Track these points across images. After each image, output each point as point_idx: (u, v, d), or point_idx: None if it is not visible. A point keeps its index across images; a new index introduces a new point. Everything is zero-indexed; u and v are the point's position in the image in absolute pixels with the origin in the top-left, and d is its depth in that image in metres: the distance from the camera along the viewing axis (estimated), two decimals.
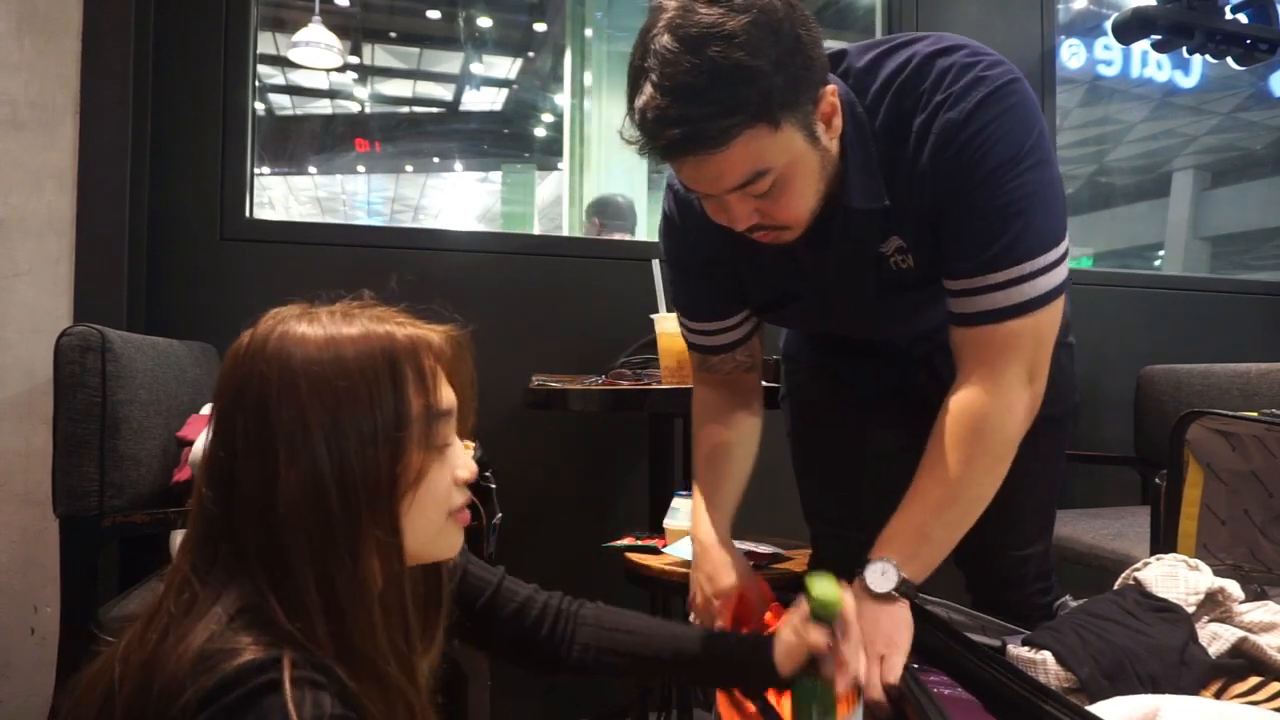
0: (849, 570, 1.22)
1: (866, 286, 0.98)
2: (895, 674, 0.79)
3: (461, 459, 0.68)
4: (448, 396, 0.66)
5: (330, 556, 0.58)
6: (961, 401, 0.88)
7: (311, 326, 0.62)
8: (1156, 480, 1.29)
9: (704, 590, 1.00)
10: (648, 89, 0.76)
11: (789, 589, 1.02)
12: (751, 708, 0.88)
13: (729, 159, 0.78)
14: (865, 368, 1.20)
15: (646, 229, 4.71)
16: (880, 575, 0.84)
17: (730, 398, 1.11)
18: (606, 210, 2.93)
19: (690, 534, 1.08)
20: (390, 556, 0.61)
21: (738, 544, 1.35)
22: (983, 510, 0.89)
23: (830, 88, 0.82)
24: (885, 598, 0.83)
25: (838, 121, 0.84)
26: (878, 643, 0.81)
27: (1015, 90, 0.85)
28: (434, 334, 0.66)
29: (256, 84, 1.93)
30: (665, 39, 0.75)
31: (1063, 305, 0.90)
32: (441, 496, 0.66)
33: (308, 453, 0.58)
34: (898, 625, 0.83)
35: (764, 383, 1.54)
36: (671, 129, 0.75)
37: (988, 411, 0.87)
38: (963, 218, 0.86)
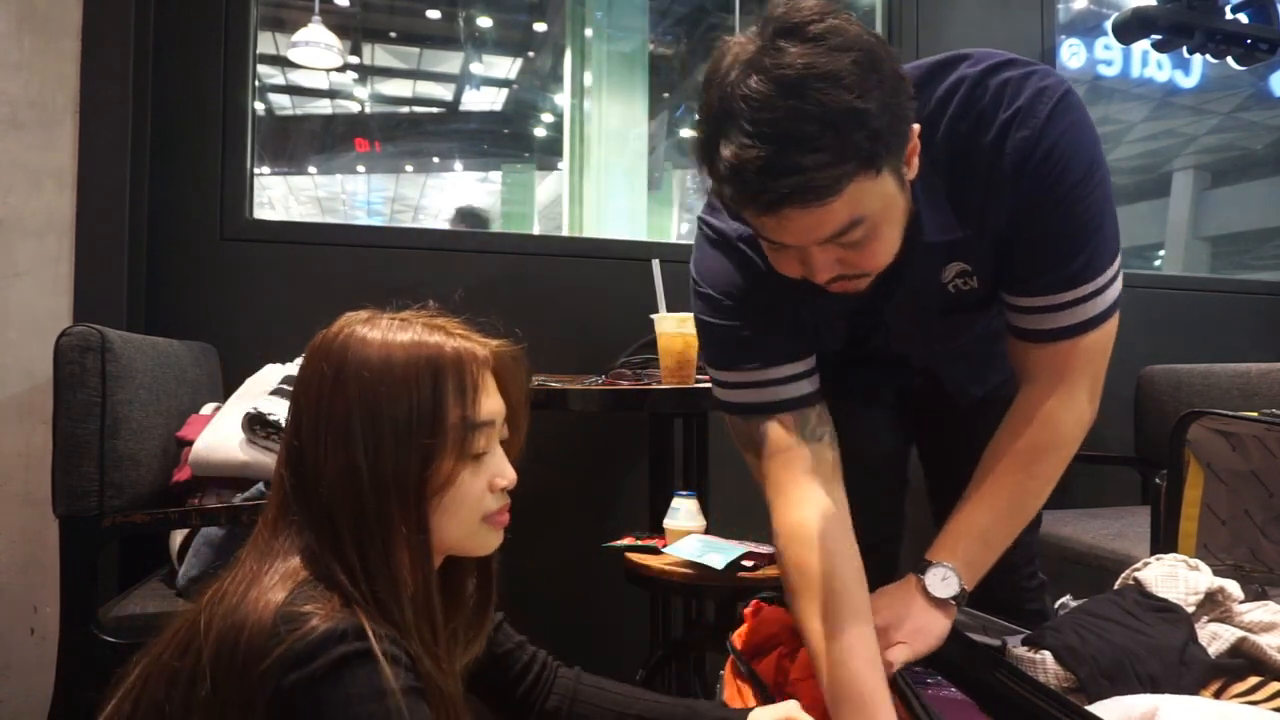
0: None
1: (932, 313, 0.96)
2: (897, 661, 0.80)
3: (501, 467, 0.71)
4: (488, 407, 0.69)
5: (366, 542, 0.64)
6: (1039, 413, 0.89)
7: (371, 331, 0.67)
8: (1156, 480, 1.29)
9: None
10: (738, 137, 0.69)
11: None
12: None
13: (833, 208, 0.71)
14: (861, 373, 1.19)
15: (647, 229, 4.71)
16: (941, 581, 0.85)
17: (840, 498, 0.92)
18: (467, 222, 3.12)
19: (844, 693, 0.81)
20: (419, 551, 0.65)
21: (737, 544, 1.35)
22: (1033, 516, 0.91)
23: (915, 126, 0.77)
24: (941, 603, 0.85)
25: (916, 160, 0.79)
26: (903, 630, 0.83)
27: (1075, 98, 0.84)
28: (482, 347, 0.70)
29: (256, 84, 1.93)
30: (754, 82, 0.68)
31: (1118, 317, 0.90)
32: (474, 501, 0.69)
33: (348, 447, 0.64)
34: (932, 629, 0.84)
35: None
36: (781, 179, 0.68)
37: (1065, 424, 0.89)
38: (1042, 237, 0.85)
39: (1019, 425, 0.90)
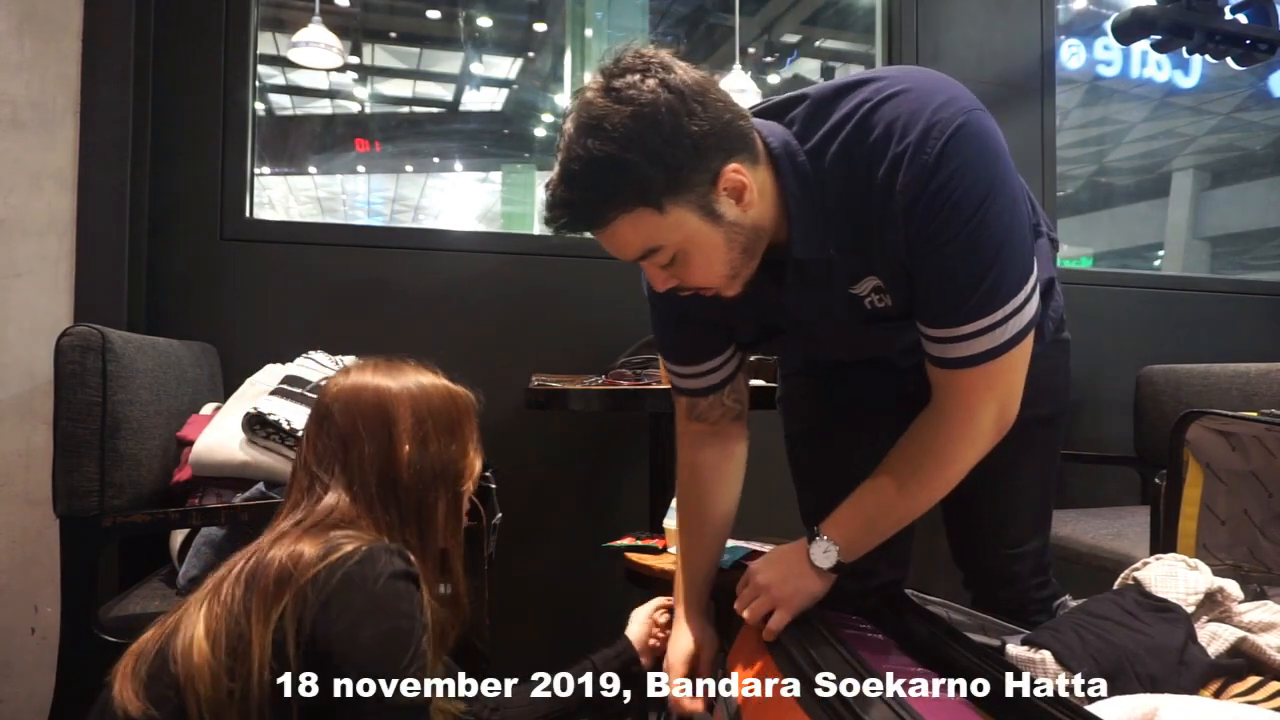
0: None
1: (845, 322, 0.99)
2: (779, 625, 0.94)
3: None
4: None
5: (423, 506, 0.90)
6: (933, 428, 0.95)
7: (418, 373, 0.95)
8: (1156, 480, 1.29)
9: (670, 655, 1.09)
10: (556, 169, 0.83)
11: None
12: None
13: (617, 238, 0.85)
14: (857, 376, 1.20)
15: None
16: (823, 553, 0.97)
17: (718, 454, 1.15)
18: None
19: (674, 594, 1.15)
20: (455, 515, 0.93)
21: (739, 543, 1.36)
22: (922, 513, 0.99)
23: (732, 166, 0.84)
24: (820, 571, 0.97)
25: (750, 196, 0.86)
26: (784, 591, 0.96)
27: (970, 130, 0.83)
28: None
29: (256, 84, 1.93)
30: (569, 123, 0.82)
31: (1032, 337, 0.92)
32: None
33: (421, 445, 0.90)
34: (808, 591, 0.97)
35: (766, 382, 1.54)
36: (556, 210, 0.83)
37: (955, 441, 0.94)
38: (937, 271, 0.87)
39: (917, 435, 0.96)
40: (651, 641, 1.16)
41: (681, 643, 1.08)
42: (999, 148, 0.86)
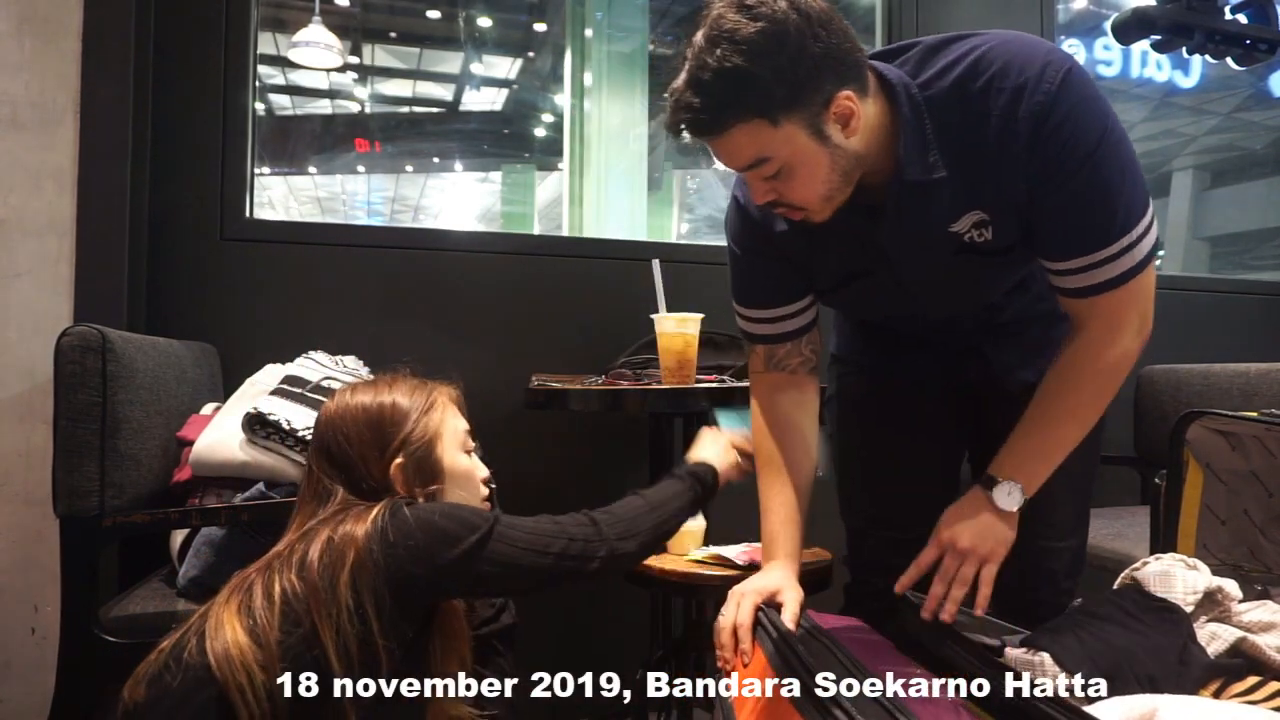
0: (873, 567, 1.24)
1: (937, 258, 1.02)
2: (992, 576, 0.96)
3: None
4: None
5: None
6: (1087, 353, 0.99)
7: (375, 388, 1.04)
8: (1156, 480, 1.29)
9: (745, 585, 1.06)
10: (682, 76, 0.88)
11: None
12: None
13: (731, 145, 0.89)
14: (914, 365, 1.22)
15: (647, 229, 4.71)
16: (1007, 495, 0.98)
17: (794, 401, 1.16)
18: None
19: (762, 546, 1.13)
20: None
21: (743, 545, 1.35)
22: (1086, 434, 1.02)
23: (845, 93, 0.89)
24: (1007, 515, 0.98)
25: (856, 124, 0.91)
26: (986, 546, 0.97)
27: (1080, 69, 0.90)
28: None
29: (256, 84, 1.93)
30: (699, 35, 0.86)
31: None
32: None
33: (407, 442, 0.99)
34: (1007, 538, 0.99)
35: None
36: (680, 113, 0.88)
37: (1111, 358, 0.99)
38: (1068, 203, 0.92)
39: (1072, 361, 0.99)
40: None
41: (763, 580, 1.05)
42: (1100, 90, 0.92)
